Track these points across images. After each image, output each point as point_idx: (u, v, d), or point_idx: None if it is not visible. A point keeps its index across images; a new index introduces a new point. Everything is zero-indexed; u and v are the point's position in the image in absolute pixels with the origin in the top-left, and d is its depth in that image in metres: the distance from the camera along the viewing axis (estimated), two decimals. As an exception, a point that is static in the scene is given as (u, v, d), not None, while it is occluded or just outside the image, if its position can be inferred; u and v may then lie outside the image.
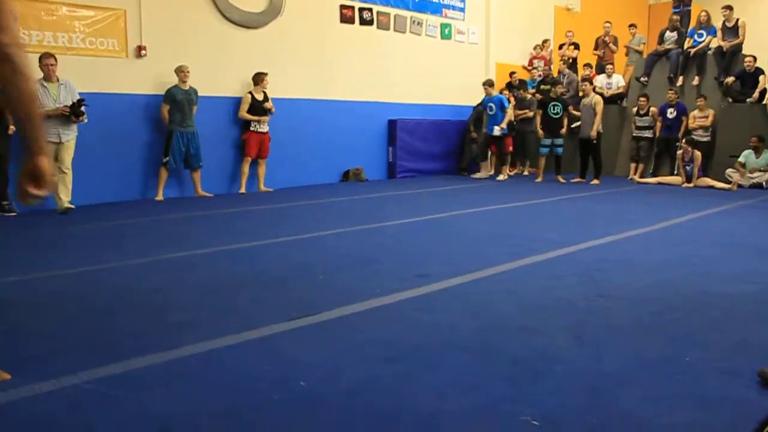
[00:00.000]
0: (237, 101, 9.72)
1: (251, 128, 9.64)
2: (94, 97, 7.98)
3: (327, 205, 8.41)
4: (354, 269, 4.74)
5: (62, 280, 4.40)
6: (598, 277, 4.51)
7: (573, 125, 11.94)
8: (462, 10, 13.45)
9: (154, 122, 8.95)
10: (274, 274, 4.59)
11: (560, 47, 14.95)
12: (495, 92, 12.13)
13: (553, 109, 11.58)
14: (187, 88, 8.88)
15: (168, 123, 8.80)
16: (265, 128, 9.75)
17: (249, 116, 9.62)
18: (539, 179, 11.79)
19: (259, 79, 9.65)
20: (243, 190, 9.71)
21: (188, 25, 9.26)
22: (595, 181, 11.36)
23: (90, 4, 8.30)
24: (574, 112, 11.83)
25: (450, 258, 5.16)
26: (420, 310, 3.68)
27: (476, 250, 5.50)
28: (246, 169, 9.73)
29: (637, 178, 12.08)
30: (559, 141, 11.62)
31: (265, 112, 9.71)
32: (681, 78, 12.98)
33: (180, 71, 8.82)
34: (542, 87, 13.82)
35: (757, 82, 11.89)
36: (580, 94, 12.05)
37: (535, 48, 14.85)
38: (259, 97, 9.68)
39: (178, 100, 8.76)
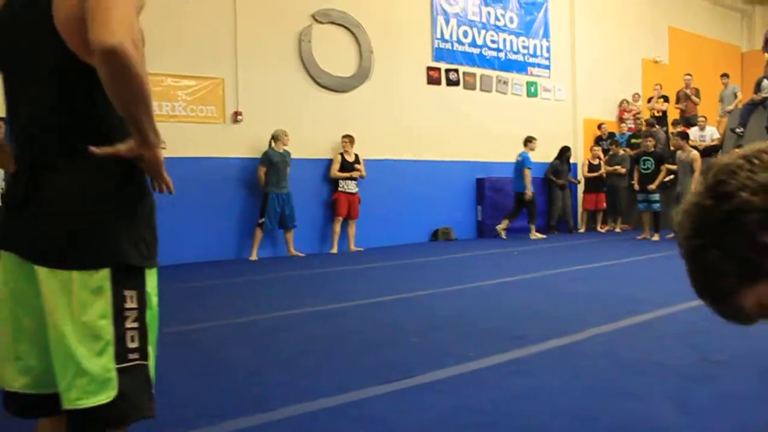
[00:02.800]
0: (328, 163, 9.99)
1: (340, 188, 9.87)
2: (194, 161, 8.40)
3: (417, 265, 8.43)
4: (447, 331, 4.69)
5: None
6: (701, 339, 4.31)
7: (666, 179, 11.62)
8: (548, 67, 13.48)
9: (249, 184, 9.29)
10: (366, 335, 4.59)
11: (649, 100, 14.69)
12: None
13: (644, 164, 11.33)
14: (282, 150, 9.21)
15: (264, 185, 9.12)
16: (353, 189, 9.95)
17: (339, 174, 9.86)
18: (643, 236, 11.41)
19: (344, 141, 9.91)
20: (335, 249, 9.89)
21: (281, 90, 9.66)
22: None
23: (192, 75, 8.80)
24: (671, 167, 11.50)
25: (546, 319, 5.04)
26: (517, 374, 3.60)
27: (572, 310, 5.36)
28: (337, 228, 9.93)
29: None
30: (655, 197, 11.27)
31: (353, 172, 9.93)
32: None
33: (280, 135, 9.19)
34: (633, 141, 13.61)
35: None
36: (672, 148, 11.74)
37: (623, 102, 14.66)
38: (350, 158, 9.92)
39: (275, 162, 9.10)
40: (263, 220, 9.07)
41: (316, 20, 10.13)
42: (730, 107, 13.90)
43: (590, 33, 14.19)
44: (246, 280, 7.33)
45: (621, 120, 14.57)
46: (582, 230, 13.06)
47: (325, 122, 10.09)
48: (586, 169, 12.94)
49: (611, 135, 13.55)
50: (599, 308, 5.34)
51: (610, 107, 14.69)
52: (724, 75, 14.43)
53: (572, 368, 3.69)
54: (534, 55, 13.29)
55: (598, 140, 13.42)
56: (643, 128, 13.83)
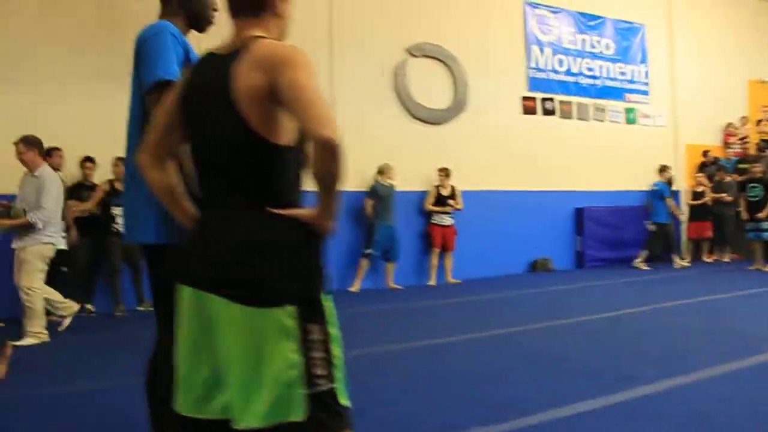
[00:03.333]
0: (423, 195, 10.07)
1: (433, 221, 9.95)
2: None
3: (515, 298, 8.34)
4: (549, 370, 4.61)
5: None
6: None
7: None
8: (646, 93, 13.17)
9: (352, 216, 9.46)
10: (468, 372, 4.56)
11: (758, 123, 14.07)
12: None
13: (752, 191, 10.87)
14: (388, 183, 9.41)
15: (372, 217, 9.30)
16: (448, 221, 9.99)
17: (432, 208, 9.93)
18: (754, 266, 10.92)
19: (440, 174, 9.98)
20: (433, 281, 9.93)
21: (379, 124, 9.86)
22: None
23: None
24: None
25: (652, 357, 4.89)
26: (625, 420, 3.49)
27: (681, 348, 5.17)
28: (434, 261, 9.98)
29: None
30: (764, 225, 10.77)
31: (446, 206, 9.96)
32: None
33: (386, 169, 9.41)
34: (740, 166, 13.06)
35: None
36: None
37: (729, 126, 14.10)
38: (445, 191, 9.97)
39: (382, 195, 9.33)
40: (370, 250, 9.26)
41: (410, 54, 10.30)
42: None
43: (690, 56, 13.76)
44: (351, 312, 7.42)
45: (726, 144, 14.01)
46: (687, 260, 12.57)
47: (422, 154, 10.20)
48: (689, 197, 12.47)
49: (716, 160, 13.05)
50: (712, 346, 5.15)
51: (714, 132, 14.16)
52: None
53: (683, 414, 3.55)
54: (632, 81, 13.02)
55: (703, 166, 12.95)
56: (752, 153, 13.25)
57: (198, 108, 1.89)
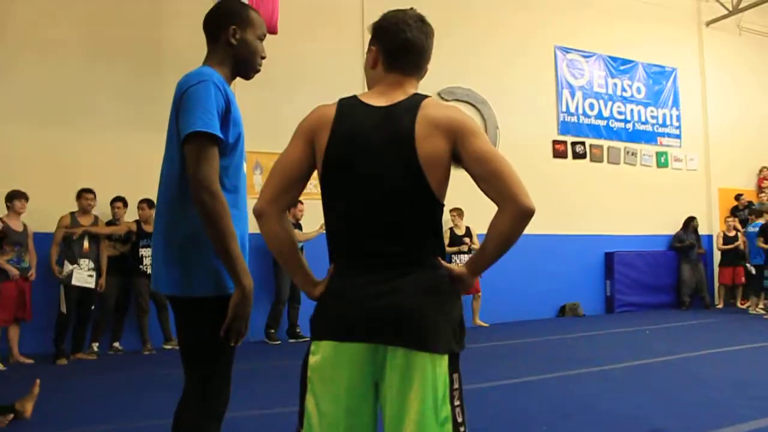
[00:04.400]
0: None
1: (451, 263, 9.89)
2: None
3: (544, 344, 8.27)
4: (579, 419, 4.56)
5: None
6: None
7: None
8: (678, 137, 13.11)
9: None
10: (489, 424, 4.48)
11: (792, 168, 13.91)
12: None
13: None
14: None
15: None
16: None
17: (448, 249, 9.87)
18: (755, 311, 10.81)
19: (453, 214, 9.91)
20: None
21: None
22: None
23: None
24: None
25: (685, 409, 4.80)
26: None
27: (715, 401, 5.08)
28: (456, 304, 9.91)
29: None
30: None
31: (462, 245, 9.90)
32: None
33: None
34: (774, 211, 12.89)
35: None
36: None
37: (763, 170, 13.94)
38: (459, 231, 9.94)
39: None
40: None
41: (441, 98, 10.40)
42: None
43: (723, 100, 13.71)
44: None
45: (761, 189, 13.85)
46: (719, 306, 12.37)
47: (454, 199, 10.19)
48: (721, 241, 12.32)
49: (750, 204, 12.90)
50: (745, 401, 5.04)
51: (747, 175, 14.01)
52: None
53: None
54: (663, 125, 12.98)
55: (735, 211, 12.81)
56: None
57: (359, 161, 1.91)
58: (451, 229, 9.99)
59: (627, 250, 11.84)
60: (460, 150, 1.87)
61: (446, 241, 9.88)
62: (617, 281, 11.63)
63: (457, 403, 1.86)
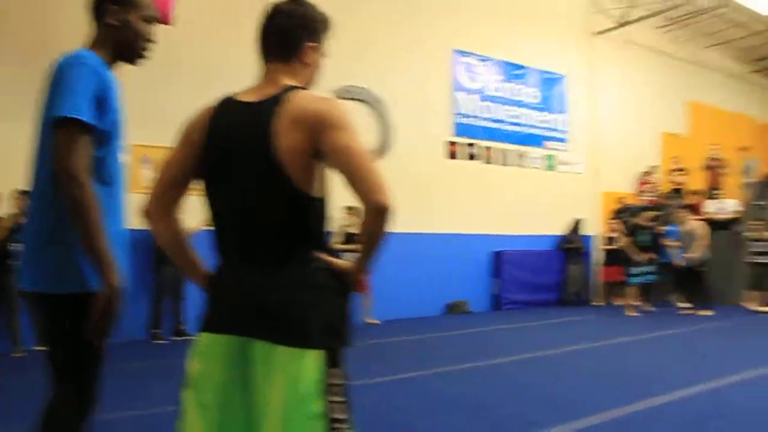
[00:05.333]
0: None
1: None
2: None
3: (431, 341, 8.45)
4: (460, 415, 4.70)
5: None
6: (720, 425, 4.29)
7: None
8: (564, 141, 13.68)
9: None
10: (371, 423, 4.46)
11: (669, 173, 14.77)
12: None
13: (641, 236, 11.43)
14: None
15: None
16: None
17: (341, 247, 9.93)
18: (631, 312, 11.43)
19: (348, 213, 9.96)
20: (349, 322, 9.88)
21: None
22: (705, 312, 10.89)
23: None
24: (671, 244, 11.61)
25: (559, 400, 5.04)
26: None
27: (587, 391, 5.36)
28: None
29: (756, 307, 11.46)
30: (650, 269, 11.44)
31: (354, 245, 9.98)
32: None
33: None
34: (652, 213, 13.65)
35: None
36: (677, 221, 11.77)
37: (642, 174, 14.76)
38: (353, 230, 10.00)
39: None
40: None
41: (337, 96, 10.41)
42: (750, 180, 13.96)
43: (608, 107, 14.45)
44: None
45: (640, 192, 14.64)
46: (601, 303, 13.00)
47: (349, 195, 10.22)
48: (603, 242, 12.96)
49: (629, 207, 13.60)
50: (614, 390, 5.33)
51: (629, 180, 14.79)
52: (743, 148, 14.53)
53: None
54: (552, 129, 13.52)
55: (617, 213, 13.48)
56: (662, 201, 13.88)
57: (229, 160, 1.92)
58: (344, 227, 10.03)
59: (514, 250, 12.25)
60: (320, 144, 1.84)
61: (339, 239, 9.93)
62: (504, 279, 12.02)
63: (336, 399, 1.83)
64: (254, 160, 1.87)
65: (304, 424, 1.77)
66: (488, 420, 4.56)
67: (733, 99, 17.93)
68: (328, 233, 2.03)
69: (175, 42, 8.95)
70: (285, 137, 1.83)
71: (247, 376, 1.87)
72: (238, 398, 1.88)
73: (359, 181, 1.82)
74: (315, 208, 1.92)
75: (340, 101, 1.94)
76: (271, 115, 1.85)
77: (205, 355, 1.92)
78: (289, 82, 1.96)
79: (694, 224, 11.34)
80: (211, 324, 1.94)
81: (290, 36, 2.01)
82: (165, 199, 2.02)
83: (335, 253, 9.86)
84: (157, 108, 8.21)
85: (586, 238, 13.49)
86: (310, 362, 1.80)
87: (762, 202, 13.08)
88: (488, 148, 12.35)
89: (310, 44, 2.04)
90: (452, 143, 11.85)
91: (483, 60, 12.50)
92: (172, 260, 2.11)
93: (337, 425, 1.81)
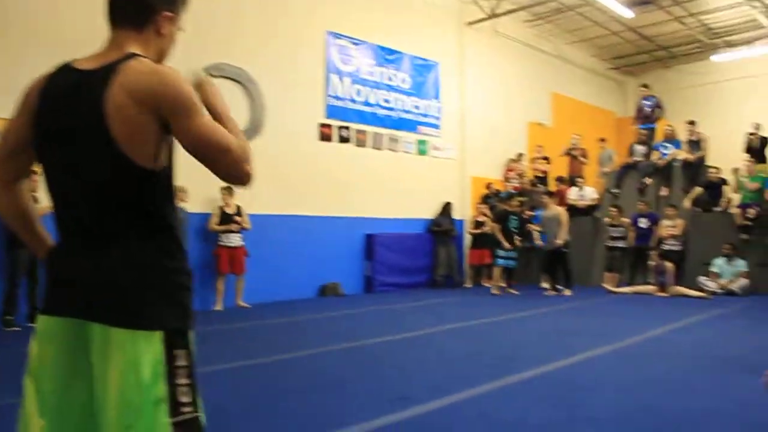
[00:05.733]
0: (207, 217, 9.81)
1: (220, 243, 9.69)
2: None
3: (303, 323, 8.37)
4: (328, 393, 4.67)
5: None
6: (576, 398, 4.48)
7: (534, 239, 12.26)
8: (437, 127, 13.91)
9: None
10: (239, 402, 4.46)
11: (533, 161, 15.38)
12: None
13: (511, 222, 11.88)
14: (181, 207, 9.06)
15: None
16: (237, 242, 9.77)
17: (217, 228, 9.68)
18: (495, 291, 11.90)
19: (223, 193, 9.74)
20: (219, 306, 9.63)
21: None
22: (567, 292, 11.45)
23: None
24: (536, 228, 12.15)
25: (427, 379, 5.10)
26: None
27: (455, 369, 5.46)
28: (221, 286, 9.70)
29: (612, 288, 12.18)
30: (513, 254, 11.97)
31: (232, 224, 9.74)
32: (665, 190, 13.35)
33: (179, 191, 8.99)
34: (518, 199, 14.18)
35: (722, 191, 12.33)
36: (542, 207, 12.29)
37: (509, 162, 15.30)
38: (230, 210, 9.76)
39: (180, 219, 8.88)
40: None
41: (209, 74, 10.07)
42: (607, 169, 14.77)
43: (478, 95, 14.85)
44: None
45: (507, 179, 15.17)
46: (469, 285, 13.37)
47: (208, 175, 9.84)
48: (472, 226, 13.31)
49: (497, 193, 14.06)
50: (479, 368, 5.46)
51: (497, 166, 15.28)
52: (602, 139, 15.35)
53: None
54: (425, 115, 13.71)
55: (486, 198, 13.89)
56: (527, 187, 14.44)
57: (58, 130, 1.73)
58: (221, 207, 9.75)
59: (387, 233, 12.36)
60: (166, 124, 1.71)
61: (216, 219, 9.66)
62: (376, 262, 12.10)
63: (182, 381, 1.71)
64: (84, 130, 1.70)
65: (145, 408, 1.65)
66: (359, 396, 4.56)
67: (594, 93, 18.96)
68: (173, 208, 1.87)
69: (32, 12, 8.36)
70: (119, 108, 1.66)
71: (86, 361, 1.73)
72: (77, 384, 1.74)
73: (218, 168, 1.79)
74: (154, 181, 1.76)
75: (175, 72, 1.75)
76: (104, 84, 1.68)
77: (43, 339, 1.77)
78: (135, 50, 1.78)
79: (557, 210, 11.85)
80: (48, 305, 1.79)
81: (146, 1, 1.84)
82: (6, 170, 1.86)
83: (216, 236, 9.59)
84: (11, 80, 7.61)
85: (459, 222, 13.80)
86: (149, 344, 1.68)
87: (617, 191, 13.87)
88: (361, 132, 12.35)
89: (167, 13, 1.87)
90: (325, 126, 11.75)
91: (356, 43, 12.46)
92: (19, 236, 1.96)
93: (182, 408, 1.70)
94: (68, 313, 1.74)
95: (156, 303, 1.72)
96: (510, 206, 12.24)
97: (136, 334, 1.67)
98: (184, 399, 1.70)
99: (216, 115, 1.85)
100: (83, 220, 1.76)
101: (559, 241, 11.46)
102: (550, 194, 12.37)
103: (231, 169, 1.78)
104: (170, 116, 1.70)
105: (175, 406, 1.68)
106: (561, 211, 11.81)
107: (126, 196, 1.74)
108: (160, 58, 1.88)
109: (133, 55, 1.74)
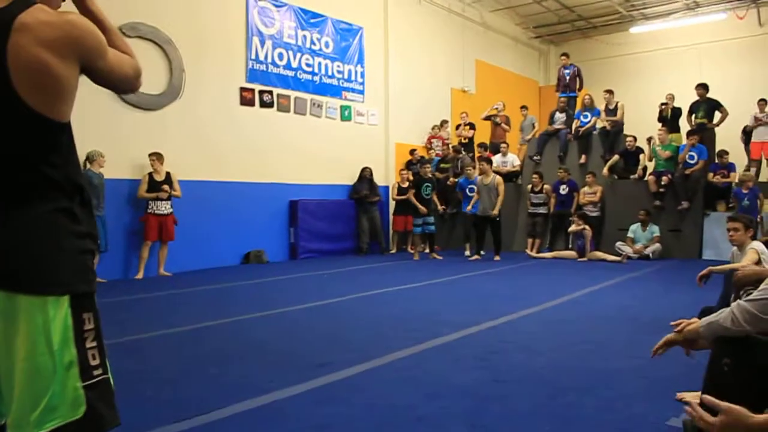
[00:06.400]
0: (135, 183, 9.53)
1: (149, 210, 9.43)
2: None
3: (226, 290, 8.22)
4: (250, 360, 4.60)
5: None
6: (496, 359, 4.55)
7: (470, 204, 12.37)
8: (361, 92, 13.80)
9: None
10: (162, 370, 4.36)
11: (457, 127, 15.47)
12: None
13: (425, 189, 11.98)
14: (99, 172, 8.74)
15: None
16: (165, 210, 9.53)
17: (147, 195, 9.41)
18: (416, 257, 12.07)
19: (152, 159, 9.49)
20: (141, 275, 9.38)
21: (84, 107, 9.02)
22: (497, 258, 11.64)
23: None
24: (464, 196, 12.36)
25: (351, 344, 5.09)
26: (318, 404, 3.58)
27: (378, 334, 5.46)
28: (145, 253, 9.45)
29: (533, 253, 12.45)
30: (430, 219, 12.10)
31: (160, 192, 9.50)
32: (584, 157, 13.63)
33: (96, 156, 8.72)
34: (441, 166, 14.27)
35: (639, 159, 12.71)
36: (477, 173, 12.37)
37: (433, 128, 15.34)
38: (159, 177, 9.49)
39: (95, 185, 8.59)
40: None
41: (123, 34, 9.64)
42: (529, 136, 15.00)
43: (402, 62, 14.75)
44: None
45: (430, 146, 15.23)
46: (393, 251, 13.43)
47: (132, 141, 9.62)
48: (395, 192, 13.32)
49: (421, 159, 14.09)
50: (403, 333, 5.48)
51: (421, 133, 15.30)
52: (524, 107, 15.55)
53: (372, 395, 3.74)
54: (349, 80, 13.55)
55: (409, 164, 13.90)
56: (450, 154, 14.52)
57: None
58: (150, 174, 9.44)
59: (310, 199, 12.24)
60: (87, 70, 1.73)
61: (145, 186, 9.38)
62: (301, 229, 11.98)
63: (90, 344, 1.69)
64: None
65: (57, 373, 1.62)
66: (280, 363, 4.50)
67: (517, 62, 19.17)
68: (78, 166, 1.82)
69: None
70: (29, 62, 1.58)
71: None
72: None
73: (118, 90, 1.91)
74: (60, 135, 1.71)
75: (77, 14, 1.69)
76: (6, 32, 1.57)
77: None
78: None
79: (495, 178, 11.84)
80: None
81: None
82: None
83: (146, 202, 9.27)
84: None
85: (384, 188, 13.79)
86: (58, 309, 1.64)
87: (538, 158, 14.11)
88: (284, 97, 12.12)
89: None
90: (246, 90, 11.47)
91: (279, 6, 12.17)
92: None
93: (93, 372, 1.69)
94: None
95: (63, 267, 1.67)
96: (423, 173, 12.32)
97: (45, 299, 1.62)
98: (94, 362, 1.69)
99: (104, 30, 1.79)
100: None
101: (495, 212, 11.54)
102: (489, 162, 12.36)
103: (128, 87, 1.88)
104: (89, 61, 1.69)
105: (85, 369, 1.66)
106: (499, 181, 11.82)
107: (31, 154, 1.66)
108: (52, 5, 1.74)
109: (33, 2, 1.63)
